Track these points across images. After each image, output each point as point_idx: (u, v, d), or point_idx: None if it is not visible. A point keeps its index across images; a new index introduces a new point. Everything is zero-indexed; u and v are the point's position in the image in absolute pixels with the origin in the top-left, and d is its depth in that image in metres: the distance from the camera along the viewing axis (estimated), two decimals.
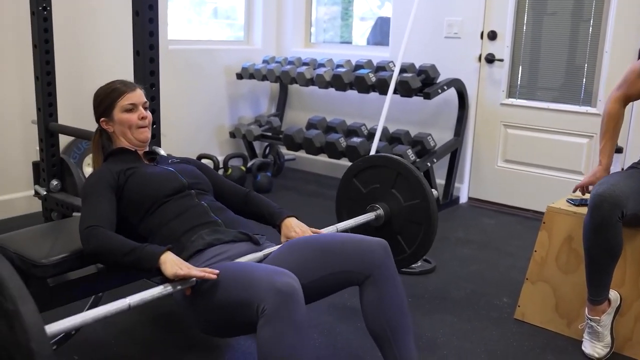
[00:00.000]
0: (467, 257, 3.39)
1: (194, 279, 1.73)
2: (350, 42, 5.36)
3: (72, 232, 2.16)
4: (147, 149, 2.24)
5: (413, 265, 3.13)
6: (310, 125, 4.60)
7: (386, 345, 1.90)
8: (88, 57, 4.02)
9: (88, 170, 3.98)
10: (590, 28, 3.87)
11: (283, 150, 5.14)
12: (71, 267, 1.99)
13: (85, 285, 2.13)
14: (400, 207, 2.49)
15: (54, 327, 1.50)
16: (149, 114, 2.19)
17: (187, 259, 1.87)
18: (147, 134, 2.18)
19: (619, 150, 2.65)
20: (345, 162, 4.49)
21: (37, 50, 3.22)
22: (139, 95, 2.17)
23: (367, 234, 2.40)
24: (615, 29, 3.73)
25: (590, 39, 3.88)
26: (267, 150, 5.18)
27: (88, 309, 2.39)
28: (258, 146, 5.25)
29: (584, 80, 3.94)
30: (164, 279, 1.75)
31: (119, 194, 2.04)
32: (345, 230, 2.38)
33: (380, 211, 2.49)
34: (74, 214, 3.17)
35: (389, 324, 1.88)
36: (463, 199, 4.46)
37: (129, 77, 2.64)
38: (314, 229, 2.15)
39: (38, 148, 3.45)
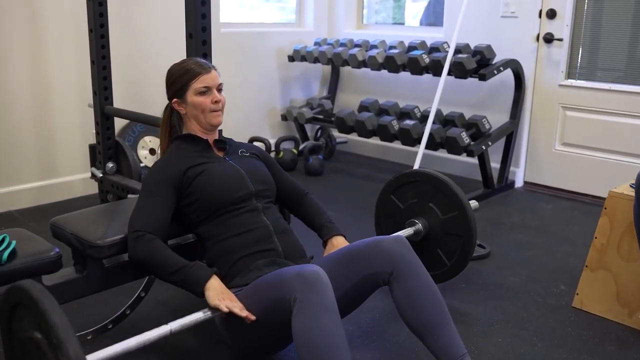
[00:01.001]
0: (522, 242, 3.31)
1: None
2: (403, 23, 5.28)
3: (127, 214, 2.19)
4: (217, 136, 2.21)
5: None
6: (363, 107, 4.55)
7: (427, 337, 1.89)
8: (142, 41, 4.07)
9: (142, 153, 4.05)
10: None
11: (335, 133, 5.11)
12: (124, 249, 2.02)
13: (138, 267, 2.15)
14: (438, 220, 2.52)
15: (95, 356, 1.56)
16: (222, 96, 2.14)
17: (239, 285, 1.94)
18: (219, 118, 2.14)
19: None
20: (398, 145, 4.45)
21: (92, 35, 3.28)
22: (213, 77, 2.10)
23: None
24: None
25: None
26: (319, 133, 5.16)
27: (142, 290, 2.43)
28: (310, 129, 5.23)
29: None
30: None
31: (182, 191, 2.05)
32: None
33: (419, 226, 2.53)
34: (129, 195, 3.23)
35: (423, 317, 1.87)
36: (519, 183, 4.36)
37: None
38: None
39: (94, 131, 3.52)
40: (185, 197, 2.05)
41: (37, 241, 1.95)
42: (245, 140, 4.08)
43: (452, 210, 2.48)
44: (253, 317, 1.78)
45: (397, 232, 2.51)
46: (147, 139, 4.07)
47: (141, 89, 4.04)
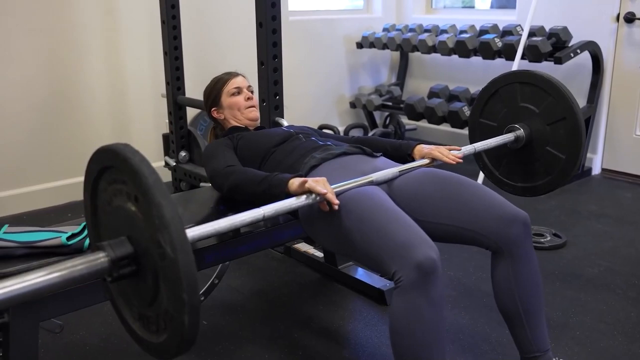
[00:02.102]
0: (600, 232, 3.20)
1: (321, 197, 1.69)
2: (473, 7, 5.16)
3: (200, 202, 2.24)
4: (257, 125, 2.40)
5: (542, 240, 3.00)
6: (432, 93, 4.49)
7: (517, 324, 1.82)
8: (212, 32, 4.14)
9: None
10: None
11: (404, 120, 5.07)
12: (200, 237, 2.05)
13: (214, 254, 2.19)
14: (536, 116, 2.30)
15: (194, 232, 1.50)
16: (254, 95, 2.37)
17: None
18: (255, 112, 2.37)
19: None
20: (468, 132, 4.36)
21: (165, 27, 3.35)
22: (241, 80, 2.38)
23: (512, 161, 2.35)
24: None
25: None
26: (388, 120, 5.13)
27: (215, 277, 2.48)
28: (378, 116, 5.21)
29: None
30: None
31: (236, 151, 2.17)
32: (484, 151, 2.33)
33: (521, 132, 2.31)
34: (202, 184, 3.29)
35: (522, 303, 1.80)
36: (596, 170, 4.21)
37: (252, 49, 2.69)
38: (452, 147, 2.10)
39: (167, 121, 3.61)
40: (238, 154, 2.15)
41: None
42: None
43: (544, 97, 2.27)
44: (335, 200, 1.68)
45: (495, 137, 2.33)
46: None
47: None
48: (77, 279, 1.25)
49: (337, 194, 1.72)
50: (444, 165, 2.01)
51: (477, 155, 2.44)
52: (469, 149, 2.19)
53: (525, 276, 1.81)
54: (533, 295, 1.81)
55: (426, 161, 2.03)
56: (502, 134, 2.36)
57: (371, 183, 1.83)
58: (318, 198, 1.69)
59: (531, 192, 2.37)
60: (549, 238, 3.05)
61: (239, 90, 2.34)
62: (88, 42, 3.68)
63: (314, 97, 4.83)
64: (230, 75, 2.38)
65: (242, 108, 2.34)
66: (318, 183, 1.69)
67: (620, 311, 2.41)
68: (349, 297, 2.57)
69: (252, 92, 2.38)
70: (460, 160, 2.07)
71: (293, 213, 1.91)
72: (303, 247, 2.91)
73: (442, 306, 1.58)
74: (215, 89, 2.37)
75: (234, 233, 2.32)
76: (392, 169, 1.91)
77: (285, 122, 2.70)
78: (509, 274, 1.80)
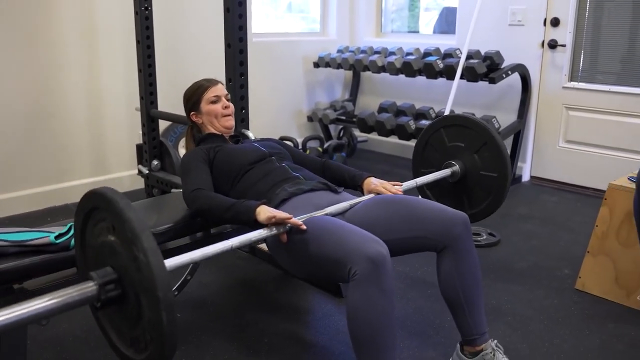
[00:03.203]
0: (529, 231, 3.35)
1: (288, 225, 1.78)
2: (418, 32, 5.31)
3: (173, 206, 2.28)
4: (232, 134, 2.39)
5: (479, 239, 3.13)
6: (382, 109, 4.60)
7: (460, 311, 1.91)
8: (184, 51, 4.16)
9: (183, 151, 4.14)
10: None
11: (356, 132, 5.17)
12: (174, 236, 2.10)
13: (187, 252, 2.24)
14: (475, 172, 2.43)
15: (171, 262, 1.58)
16: (231, 104, 2.35)
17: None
18: (231, 121, 2.35)
19: None
20: (414, 144, 4.48)
21: (140, 46, 3.37)
22: (220, 88, 2.35)
23: (448, 192, 2.45)
24: None
25: None
26: (342, 133, 5.22)
27: (188, 273, 2.52)
28: (333, 129, 5.29)
29: None
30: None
31: (210, 167, 2.18)
32: (424, 184, 2.42)
33: (457, 168, 2.44)
34: (173, 190, 3.31)
35: (464, 292, 1.89)
36: (525, 178, 4.38)
37: (220, 67, 2.74)
38: (395, 182, 2.19)
39: (141, 132, 3.62)
40: (213, 171, 2.17)
41: None
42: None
43: (493, 170, 2.39)
44: (300, 223, 1.77)
45: (431, 166, 2.50)
46: None
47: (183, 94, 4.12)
48: (71, 304, 1.36)
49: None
50: None
51: (423, 196, 2.60)
52: (410, 183, 2.31)
53: (466, 269, 1.89)
54: (473, 286, 1.91)
55: (372, 196, 2.12)
56: (440, 168, 2.51)
57: (325, 215, 1.92)
58: (282, 229, 1.79)
59: (479, 216, 2.47)
60: (485, 237, 3.17)
61: (217, 99, 2.31)
62: (68, 60, 3.67)
63: (275, 111, 4.90)
64: (211, 83, 2.35)
65: (219, 116, 2.31)
66: (282, 215, 1.79)
67: (545, 299, 2.53)
68: (309, 291, 2.64)
69: (229, 100, 2.36)
70: (402, 193, 2.16)
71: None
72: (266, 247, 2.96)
73: (393, 295, 1.65)
74: (195, 95, 2.34)
75: (205, 234, 2.37)
76: (344, 203, 2.02)
77: (251, 134, 2.75)
78: (453, 268, 1.89)
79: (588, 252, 2.58)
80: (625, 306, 2.45)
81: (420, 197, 2.46)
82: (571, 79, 4.10)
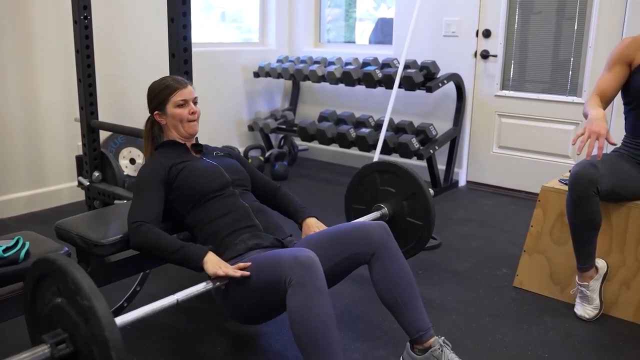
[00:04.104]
0: (468, 234, 3.49)
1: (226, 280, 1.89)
2: (354, 42, 5.44)
3: (121, 217, 2.25)
4: (194, 142, 2.32)
5: None
6: (322, 117, 4.68)
7: (399, 312, 2.00)
8: (124, 60, 4.12)
9: (123, 162, 4.09)
10: (575, 25, 3.95)
11: (297, 141, 5.24)
12: (125, 247, 2.09)
13: (136, 263, 2.24)
14: (402, 207, 2.60)
15: (120, 320, 1.64)
16: (198, 108, 2.27)
17: (228, 260, 2.00)
18: (196, 127, 2.27)
19: None
20: (355, 151, 4.59)
21: (79, 55, 3.32)
22: (189, 92, 2.23)
23: None
24: (598, 26, 3.81)
25: (575, 35, 3.96)
26: (282, 142, 5.27)
27: (137, 284, 2.51)
28: (274, 138, 5.34)
29: (570, 72, 4.02)
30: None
31: (169, 186, 2.14)
32: None
33: (385, 210, 2.61)
34: (116, 201, 3.28)
35: (398, 294, 1.99)
36: (462, 182, 4.56)
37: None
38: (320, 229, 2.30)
39: (80, 143, 3.56)
40: (172, 191, 2.15)
41: (46, 242, 2.02)
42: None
43: (414, 198, 2.55)
44: (247, 273, 1.85)
45: (363, 204, 2.63)
46: (127, 149, 4.12)
47: (123, 104, 4.08)
48: None
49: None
50: None
51: None
52: None
53: (395, 270, 2.00)
54: (406, 285, 2.00)
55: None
56: (370, 211, 2.64)
57: None
58: (226, 280, 1.89)
59: (406, 255, 2.57)
60: None
61: (185, 103, 2.20)
62: (3, 69, 3.57)
63: (216, 122, 4.90)
64: (180, 85, 2.21)
65: (185, 121, 2.21)
66: (229, 270, 1.87)
67: (486, 297, 2.66)
68: None
69: (196, 103, 2.26)
70: None
71: None
72: None
73: (327, 293, 1.76)
74: (162, 95, 2.21)
75: None
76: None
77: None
78: (382, 272, 2.00)
79: (524, 251, 2.73)
80: (560, 300, 2.61)
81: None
82: (502, 87, 4.30)
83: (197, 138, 2.36)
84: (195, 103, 2.26)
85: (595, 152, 2.44)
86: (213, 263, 1.90)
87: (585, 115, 2.35)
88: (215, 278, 1.88)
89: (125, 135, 3.86)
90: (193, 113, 2.24)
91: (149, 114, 2.30)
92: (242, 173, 2.31)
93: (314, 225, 2.29)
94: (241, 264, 1.90)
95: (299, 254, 1.77)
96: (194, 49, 4.48)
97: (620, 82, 2.43)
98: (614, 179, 2.33)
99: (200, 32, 5.01)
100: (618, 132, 2.55)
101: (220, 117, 4.96)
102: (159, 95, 2.22)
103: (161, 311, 1.74)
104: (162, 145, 2.27)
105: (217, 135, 4.87)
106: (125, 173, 4.02)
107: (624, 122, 2.53)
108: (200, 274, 1.94)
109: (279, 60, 5.10)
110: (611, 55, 2.45)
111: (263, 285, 1.84)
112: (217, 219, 2.11)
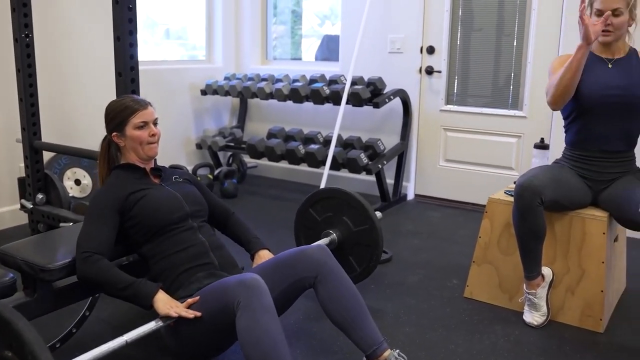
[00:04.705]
0: (418, 246, 3.55)
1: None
2: (300, 59, 5.48)
3: (68, 240, 2.20)
4: (153, 165, 2.27)
5: None
6: (271, 134, 4.69)
7: (349, 329, 2.02)
8: (68, 79, 4.02)
9: (68, 183, 3.98)
10: (515, 41, 4.10)
11: (246, 158, 5.22)
12: (74, 271, 2.04)
13: (85, 287, 2.18)
14: (350, 232, 2.67)
15: None
16: (158, 129, 2.21)
17: (180, 298, 1.99)
18: (156, 149, 2.21)
19: (546, 146, 2.85)
20: (304, 168, 4.61)
21: (20, 74, 3.24)
22: (150, 113, 2.18)
23: None
24: (535, 42, 3.97)
25: (515, 50, 4.11)
26: (231, 159, 5.25)
27: (86, 309, 2.44)
28: (222, 156, 5.31)
29: (511, 87, 4.17)
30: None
31: (125, 214, 2.09)
32: None
33: (334, 236, 2.67)
34: (61, 224, 3.19)
35: (346, 312, 2.01)
36: (410, 196, 4.63)
37: (110, 96, 2.69)
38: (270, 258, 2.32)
39: (22, 165, 3.45)
40: (128, 219, 2.09)
41: None
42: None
43: (362, 223, 2.64)
44: (199, 314, 1.87)
45: (314, 240, 2.66)
46: (72, 170, 4.01)
47: (68, 123, 3.98)
48: None
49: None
50: None
51: None
52: None
53: (339, 290, 2.03)
54: (352, 303, 2.03)
55: None
56: (321, 230, 2.73)
57: None
58: (174, 318, 1.89)
59: (369, 270, 2.70)
60: None
61: (145, 124, 2.14)
62: None
63: (164, 140, 4.72)
64: (140, 106, 2.16)
65: (144, 143, 2.15)
66: (180, 311, 1.88)
67: (438, 309, 2.71)
68: None
69: (156, 124, 2.21)
70: None
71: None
72: None
73: (274, 312, 1.79)
74: (121, 115, 2.14)
75: None
76: None
77: None
78: (328, 293, 2.03)
79: (473, 262, 2.80)
80: (509, 309, 2.68)
81: None
82: (447, 102, 4.41)
83: (155, 160, 2.31)
84: (155, 124, 2.20)
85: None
86: (164, 302, 1.90)
87: (559, 77, 2.38)
88: (165, 317, 1.89)
89: (70, 155, 3.76)
90: (153, 135, 2.18)
91: (99, 134, 2.24)
92: (200, 203, 2.27)
93: (265, 257, 2.30)
94: (190, 300, 1.91)
95: (243, 277, 1.82)
96: (139, 67, 4.43)
97: None
98: (556, 190, 2.42)
99: (145, 50, 4.96)
100: (559, 145, 2.64)
101: (168, 135, 4.87)
102: (118, 116, 2.15)
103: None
104: (120, 168, 2.21)
105: (164, 154, 4.78)
106: (70, 194, 3.91)
107: (564, 135, 2.63)
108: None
109: (226, 78, 5.09)
110: (553, 65, 2.54)
111: (213, 313, 1.85)
112: (174, 254, 2.08)
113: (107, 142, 2.25)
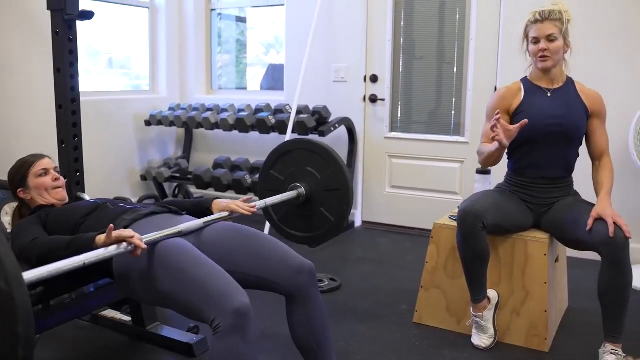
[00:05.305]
0: (367, 273, 3.57)
1: (133, 245, 1.74)
2: (245, 88, 5.49)
3: None
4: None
5: (322, 285, 3.26)
6: (217, 164, 4.66)
7: (312, 356, 2.01)
8: (7, 111, 3.90)
9: (6, 219, 3.84)
10: (455, 69, 4.23)
11: (192, 189, 5.16)
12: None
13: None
14: (317, 181, 2.58)
15: (29, 275, 1.52)
16: (61, 177, 2.30)
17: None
18: (63, 193, 2.29)
19: (487, 172, 2.93)
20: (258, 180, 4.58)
21: None
22: (47, 162, 2.30)
23: (293, 213, 2.53)
24: (475, 70, 4.11)
25: (455, 78, 4.23)
26: (177, 190, 5.18)
27: None
28: (168, 187, 5.23)
29: (453, 113, 4.29)
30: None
31: (45, 228, 2.10)
32: (273, 205, 2.50)
33: (302, 189, 2.58)
34: None
35: (314, 337, 2.00)
36: (358, 223, 4.66)
37: (50, 129, 2.65)
38: (247, 197, 2.28)
39: None
40: (47, 230, 2.10)
41: None
42: None
43: (327, 168, 2.55)
44: (144, 246, 1.75)
45: (280, 193, 2.56)
46: (10, 205, 3.87)
47: (7, 158, 3.85)
48: None
49: (149, 244, 1.80)
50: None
51: (270, 221, 2.69)
52: (260, 203, 2.41)
53: (315, 317, 2.01)
54: (323, 332, 2.03)
55: (226, 213, 2.18)
56: (286, 189, 2.62)
57: (180, 234, 1.93)
58: (130, 247, 1.74)
59: (308, 241, 2.66)
60: (327, 282, 3.32)
61: (45, 172, 2.26)
62: None
63: (107, 172, 4.74)
64: (37, 158, 2.30)
65: (50, 189, 2.26)
66: (124, 231, 1.76)
67: (388, 335, 2.72)
68: (160, 354, 2.57)
69: (58, 172, 2.32)
70: (255, 210, 2.27)
71: (109, 273, 1.93)
72: (110, 313, 2.83)
73: (255, 346, 1.72)
74: (21, 171, 2.27)
75: (43, 305, 2.23)
76: (198, 220, 2.04)
77: (87, 197, 2.68)
78: (302, 316, 2.00)
79: (421, 287, 2.83)
80: (458, 332, 2.71)
81: (267, 224, 2.51)
82: (391, 129, 4.50)
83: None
84: (57, 172, 2.30)
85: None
86: (107, 233, 1.77)
87: (482, 153, 2.56)
88: (120, 243, 1.74)
89: (7, 190, 3.64)
90: (57, 179, 2.27)
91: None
92: (114, 200, 2.32)
93: (227, 201, 2.23)
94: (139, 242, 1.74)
95: (235, 299, 1.65)
96: (81, 98, 4.36)
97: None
98: (498, 214, 2.48)
99: (87, 80, 4.88)
100: (501, 170, 2.72)
101: (111, 167, 4.80)
102: (18, 173, 2.27)
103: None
104: (33, 213, 2.23)
105: (108, 186, 4.71)
106: (8, 230, 3.77)
107: (507, 161, 2.71)
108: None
109: (170, 108, 5.05)
110: (489, 106, 2.64)
111: (183, 300, 1.73)
112: (94, 226, 2.02)
113: (19, 204, 2.34)
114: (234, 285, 1.72)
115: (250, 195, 2.34)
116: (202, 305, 1.68)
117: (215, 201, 2.26)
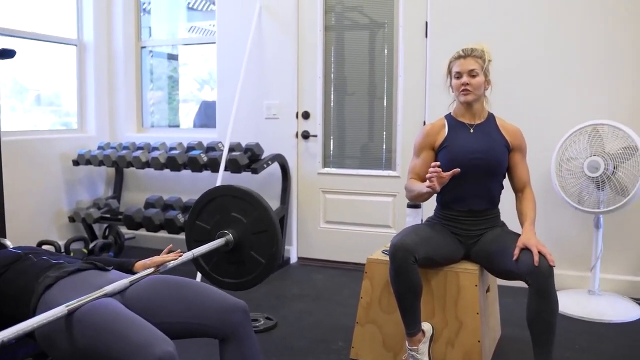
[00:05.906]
0: (303, 310, 3.53)
1: (66, 310, 1.69)
2: (178, 125, 5.43)
3: None
4: None
5: (257, 324, 3.20)
6: (148, 204, 4.56)
7: None
8: None
9: None
10: (385, 105, 4.32)
11: (123, 229, 5.01)
12: None
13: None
14: (244, 225, 2.56)
15: None
16: None
17: (38, 300, 1.84)
18: None
19: (418, 206, 2.97)
20: (184, 237, 4.48)
21: None
22: None
23: (224, 261, 2.48)
24: (404, 106, 4.21)
25: (386, 114, 4.32)
26: (107, 232, 5.01)
27: None
28: (98, 228, 5.06)
29: (384, 148, 4.36)
30: None
31: None
32: (202, 256, 2.46)
33: (229, 236, 2.55)
34: None
35: None
36: (293, 259, 4.63)
37: None
38: (167, 248, 2.25)
39: None
40: None
41: None
42: (34, 244, 3.84)
43: (252, 211, 2.53)
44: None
45: (209, 242, 2.52)
46: None
47: None
48: None
49: (74, 309, 1.73)
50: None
51: (200, 270, 2.67)
52: (188, 254, 2.38)
53: (249, 357, 1.96)
54: None
55: (152, 269, 2.12)
56: (214, 237, 2.59)
57: (105, 295, 1.86)
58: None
59: (242, 287, 2.65)
60: (262, 322, 3.26)
61: None
62: None
63: (33, 214, 4.55)
64: None
65: None
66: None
67: None
68: None
69: None
70: (181, 254, 2.22)
71: (30, 334, 1.83)
72: None
73: None
74: None
75: None
76: (123, 280, 1.96)
77: (9, 243, 2.55)
78: (237, 356, 1.94)
79: (357, 322, 2.82)
80: None
81: (199, 274, 2.48)
82: (324, 165, 4.53)
83: None
84: None
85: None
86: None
87: (412, 191, 2.61)
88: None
89: None
90: None
91: None
92: (38, 249, 2.21)
93: (149, 262, 2.17)
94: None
95: (156, 348, 1.60)
96: (4, 138, 4.23)
97: (430, 164, 2.67)
98: (428, 247, 2.52)
99: (12, 118, 4.70)
100: (432, 204, 2.77)
101: (36, 210, 4.61)
102: None
103: None
104: None
105: (32, 229, 4.51)
106: None
107: (435, 195, 2.76)
108: None
109: (100, 147, 4.92)
110: (416, 143, 2.73)
111: (106, 353, 1.65)
112: (16, 279, 1.93)
113: None
114: (157, 334, 1.67)
115: (171, 245, 2.28)
116: (125, 358, 1.61)
117: (138, 263, 2.21)
